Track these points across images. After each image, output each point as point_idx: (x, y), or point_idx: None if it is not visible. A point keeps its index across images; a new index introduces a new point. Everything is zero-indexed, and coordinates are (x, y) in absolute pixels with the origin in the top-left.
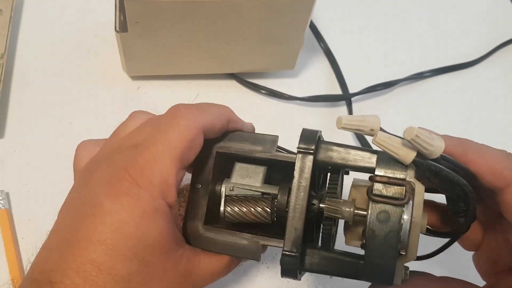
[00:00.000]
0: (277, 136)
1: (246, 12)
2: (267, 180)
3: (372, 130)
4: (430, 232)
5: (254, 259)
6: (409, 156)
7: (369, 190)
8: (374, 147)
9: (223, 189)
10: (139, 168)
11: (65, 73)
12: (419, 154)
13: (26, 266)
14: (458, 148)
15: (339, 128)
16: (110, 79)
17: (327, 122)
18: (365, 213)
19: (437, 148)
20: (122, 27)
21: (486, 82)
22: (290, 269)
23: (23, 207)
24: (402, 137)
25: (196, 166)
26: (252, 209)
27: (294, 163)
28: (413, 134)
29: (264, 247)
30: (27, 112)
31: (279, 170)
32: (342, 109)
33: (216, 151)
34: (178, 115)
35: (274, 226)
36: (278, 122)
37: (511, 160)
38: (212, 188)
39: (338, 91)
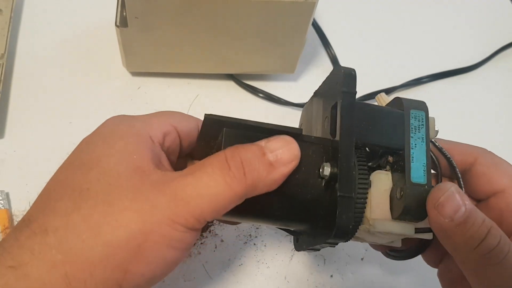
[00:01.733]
0: None
1: (247, 13)
2: None
3: None
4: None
5: (296, 133)
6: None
7: None
8: None
9: None
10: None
11: (65, 73)
12: None
13: None
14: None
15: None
16: (110, 79)
17: None
18: None
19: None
20: (122, 22)
21: (486, 87)
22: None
23: (23, 207)
24: None
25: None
26: None
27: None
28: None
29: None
30: (27, 112)
31: None
32: None
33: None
34: None
35: None
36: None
37: (475, 146)
38: None
39: None
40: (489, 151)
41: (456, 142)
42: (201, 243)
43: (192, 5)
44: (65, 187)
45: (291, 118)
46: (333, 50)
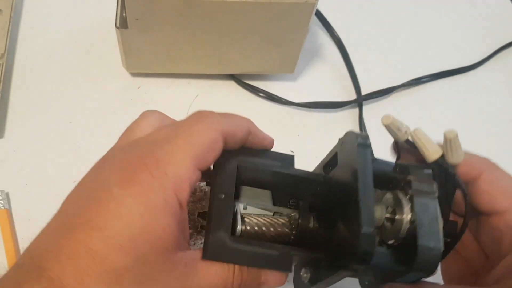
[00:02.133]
0: (293, 155)
1: (247, 14)
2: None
3: (405, 132)
4: None
5: (286, 271)
6: (434, 155)
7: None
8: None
9: (237, 207)
10: (155, 159)
11: (65, 73)
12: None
13: None
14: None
15: (385, 124)
16: (110, 79)
17: (323, 127)
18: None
19: (460, 155)
20: (122, 23)
21: (486, 86)
22: (371, 248)
23: (23, 207)
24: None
25: (216, 176)
26: (272, 229)
27: (312, 179)
28: (454, 134)
29: (292, 260)
30: (27, 112)
31: (284, 192)
32: (338, 115)
33: (238, 164)
34: (201, 117)
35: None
36: (275, 125)
37: (480, 157)
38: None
39: (336, 97)
40: (496, 166)
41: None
42: (201, 243)
43: (192, 7)
44: (94, 257)
45: (292, 117)
46: (337, 34)
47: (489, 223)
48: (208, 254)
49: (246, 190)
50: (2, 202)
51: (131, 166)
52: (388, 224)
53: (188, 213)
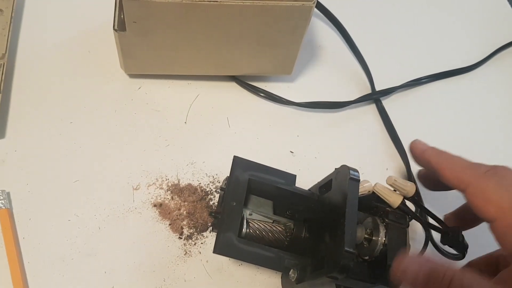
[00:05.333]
0: (295, 175)
1: (244, 17)
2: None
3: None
4: None
5: (279, 270)
6: (397, 202)
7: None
8: None
9: (244, 213)
10: None
11: (66, 73)
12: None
13: (27, 266)
14: (434, 157)
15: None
16: (111, 79)
17: (322, 127)
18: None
19: (410, 189)
20: (120, 26)
21: (485, 87)
22: (350, 263)
23: (24, 207)
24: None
25: (231, 185)
26: (270, 234)
27: (308, 197)
28: (392, 180)
29: (284, 262)
30: (28, 112)
31: (284, 204)
32: (336, 115)
33: (249, 178)
34: None
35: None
36: (276, 125)
37: (471, 168)
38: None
39: (336, 97)
40: (482, 175)
41: (454, 160)
42: (202, 243)
43: (189, 10)
44: None
45: (292, 117)
46: (341, 34)
47: (493, 228)
48: (218, 250)
49: (253, 198)
50: (3, 202)
51: None
52: (365, 243)
53: (189, 213)
